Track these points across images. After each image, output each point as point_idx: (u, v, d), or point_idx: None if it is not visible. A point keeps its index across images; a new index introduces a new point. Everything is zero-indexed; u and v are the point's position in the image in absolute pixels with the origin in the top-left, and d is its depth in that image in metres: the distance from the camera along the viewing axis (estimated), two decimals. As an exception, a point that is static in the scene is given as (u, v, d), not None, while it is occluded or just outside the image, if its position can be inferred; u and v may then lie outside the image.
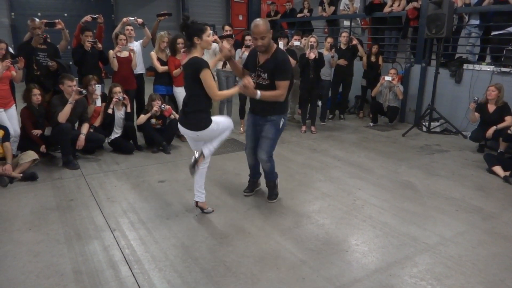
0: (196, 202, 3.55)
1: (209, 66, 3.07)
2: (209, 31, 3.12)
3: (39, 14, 10.64)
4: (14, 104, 4.76)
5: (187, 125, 3.24)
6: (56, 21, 5.17)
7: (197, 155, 3.33)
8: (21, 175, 4.22)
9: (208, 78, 3.05)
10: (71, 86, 4.61)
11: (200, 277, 2.64)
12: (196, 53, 3.10)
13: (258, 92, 3.24)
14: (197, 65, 3.04)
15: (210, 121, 3.21)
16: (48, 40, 5.15)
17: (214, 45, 5.44)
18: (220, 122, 3.34)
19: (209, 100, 3.17)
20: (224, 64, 5.98)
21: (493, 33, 6.44)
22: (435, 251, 3.00)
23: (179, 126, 3.32)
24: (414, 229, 3.33)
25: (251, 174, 3.99)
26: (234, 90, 3.34)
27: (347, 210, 3.68)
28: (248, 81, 3.15)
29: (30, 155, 4.38)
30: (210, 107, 3.27)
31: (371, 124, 7.10)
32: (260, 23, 3.24)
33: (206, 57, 5.70)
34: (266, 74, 3.38)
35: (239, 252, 2.94)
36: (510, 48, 6.11)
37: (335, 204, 3.81)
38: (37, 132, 4.72)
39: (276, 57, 3.36)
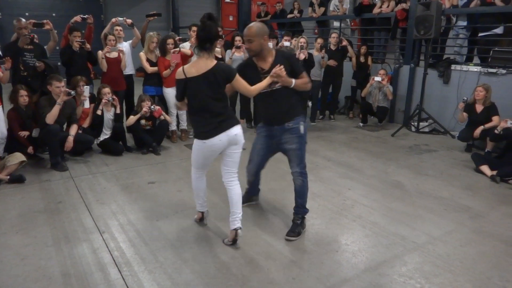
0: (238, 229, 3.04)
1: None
2: None
3: (27, 14, 10.51)
4: (1, 106, 4.69)
5: (231, 123, 2.91)
6: (45, 21, 5.12)
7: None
8: (8, 177, 4.17)
9: (241, 80, 2.88)
10: (59, 87, 4.56)
11: (190, 278, 2.63)
12: (212, 58, 2.82)
13: (293, 80, 2.99)
14: (229, 71, 2.86)
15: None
16: (36, 40, 5.09)
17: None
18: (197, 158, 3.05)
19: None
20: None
21: (480, 34, 6.53)
22: (423, 250, 3.03)
23: (215, 139, 2.87)
24: (403, 228, 3.36)
25: (249, 189, 3.66)
26: (266, 81, 2.97)
27: (337, 210, 3.70)
28: (280, 68, 2.90)
29: (17, 157, 4.31)
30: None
31: (361, 124, 7.14)
32: (251, 25, 3.02)
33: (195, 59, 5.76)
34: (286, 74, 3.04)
35: (229, 253, 2.94)
36: (496, 49, 6.21)
37: (325, 204, 3.82)
38: (24, 133, 4.66)
39: (284, 55, 3.15)
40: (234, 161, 3.00)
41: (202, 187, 3.21)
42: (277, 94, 3.07)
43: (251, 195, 3.75)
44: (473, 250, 3.04)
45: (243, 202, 3.26)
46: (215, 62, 2.80)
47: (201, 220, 3.37)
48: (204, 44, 2.76)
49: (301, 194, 3.26)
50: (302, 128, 3.14)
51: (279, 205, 3.79)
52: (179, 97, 2.94)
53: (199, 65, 2.79)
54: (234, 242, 3.02)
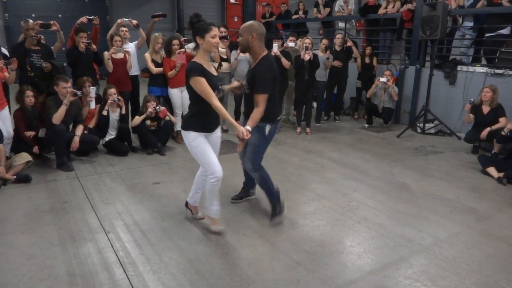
0: (187, 202, 3.48)
1: (199, 73, 2.81)
2: (215, 32, 2.85)
3: (33, 15, 10.58)
4: (7, 106, 4.72)
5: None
6: (51, 22, 5.16)
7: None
8: (15, 177, 4.19)
9: (198, 85, 2.82)
10: (65, 88, 4.59)
11: (195, 279, 2.63)
12: (198, 56, 2.93)
13: (248, 127, 3.04)
14: (187, 71, 2.88)
15: (192, 127, 3.00)
16: (43, 41, 5.12)
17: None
18: (205, 153, 3.02)
19: (207, 105, 2.90)
20: (219, 66, 5.98)
21: (487, 35, 6.49)
22: (429, 252, 3.01)
23: (215, 133, 3.18)
24: (408, 230, 3.34)
25: (245, 181, 3.87)
26: (230, 120, 2.98)
27: (342, 211, 3.68)
28: (242, 133, 2.93)
29: (24, 157, 4.34)
30: (207, 113, 3.00)
31: (366, 125, 7.12)
32: (246, 23, 3.20)
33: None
34: (246, 83, 3.21)
35: (234, 254, 2.94)
36: (503, 50, 6.16)
37: (330, 205, 3.81)
38: (30, 133, 4.69)
39: (256, 67, 3.17)
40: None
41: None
42: (247, 96, 3.27)
43: (248, 188, 3.88)
44: (480, 252, 3.02)
45: (238, 199, 3.81)
46: (194, 59, 2.94)
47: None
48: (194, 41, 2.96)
49: (262, 185, 3.48)
50: (267, 130, 3.29)
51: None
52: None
53: None
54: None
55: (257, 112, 3.12)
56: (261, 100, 3.10)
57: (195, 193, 3.41)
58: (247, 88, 3.23)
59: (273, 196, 3.47)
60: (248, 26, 3.14)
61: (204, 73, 2.85)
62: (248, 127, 3.04)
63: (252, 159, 3.36)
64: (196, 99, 2.92)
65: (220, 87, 2.99)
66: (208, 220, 3.32)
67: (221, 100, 3.01)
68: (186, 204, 3.50)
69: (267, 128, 3.28)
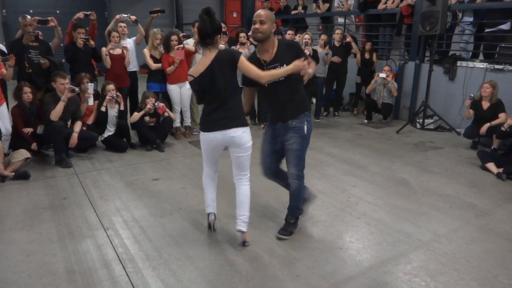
0: (242, 232, 2.99)
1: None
2: None
3: (31, 11, 10.51)
4: (5, 103, 4.71)
5: (231, 123, 2.78)
6: (49, 18, 5.13)
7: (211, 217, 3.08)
8: (13, 174, 4.18)
9: (247, 63, 2.75)
10: (63, 84, 4.56)
11: (194, 275, 2.63)
12: (214, 52, 2.74)
13: (310, 70, 2.85)
14: (232, 53, 2.78)
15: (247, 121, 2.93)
16: (40, 37, 5.10)
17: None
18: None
19: (240, 99, 2.88)
20: None
21: (487, 30, 6.46)
22: (429, 247, 3.01)
23: (213, 135, 2.82)
24: (408, 226, 3.34)
25: (286, 187, 3.26)
26: (284, 70, 2.78)
27: (342, 207, 3.68)
28: (303, 63, 2.74)
29: (22, 154, 4.33)
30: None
31: (365, 121, 7.11)
32: (262, 10, 2.96)
33: (200, 55, 5.73)
34: (285, 65, 2.85)
35: (233, 250, 2.93)
36: (503, 45, 6.14)
37: (330, 201, 3.81)
38: (28, 130, 4.67)
39: (286, 42, 3.06)
40: (239, 165, 2.90)
41: (208, 187, 3.12)
42: (279, 88, 2.91)
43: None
44: (479, 248, 3.02)
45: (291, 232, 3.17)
46: (217, 51, 2.75)
47: (209, 226, 3.15)
48: (205, 39, 2.72)
49: (295, 197, 3.14)
50: (305, 128, 2.97)
51: (283, 202, 3.75)
52: (199, 99, 2.91)
53: (204, 61, 2.75)
54: (241, 244, 3.00)
55: (314, 65, 3.11)
56: (312, 60, 3.10)
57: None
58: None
59: (296, 213, 3.19)
60: (271, 15, 2.91)
61: None
62: (310, 69, 2.86)
63: (297, 165, 3.02)
64: (236, 89, 2.83)
65: None
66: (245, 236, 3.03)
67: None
68: (242, 233, 3.00)
69: (305, 125, 2.97)
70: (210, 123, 2.81)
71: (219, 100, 2.78)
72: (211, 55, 2.74)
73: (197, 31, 2.77)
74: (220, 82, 2.73)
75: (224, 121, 2.78)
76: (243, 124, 2.84)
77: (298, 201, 3.17)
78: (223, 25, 6.19)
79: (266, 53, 2.95)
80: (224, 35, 6.04)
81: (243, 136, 2.81)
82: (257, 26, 2.85)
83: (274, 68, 2.87)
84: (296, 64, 2.74)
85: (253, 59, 2.98)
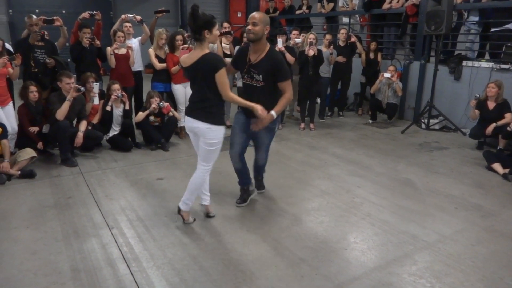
0: (179, 209, 3.28)
1: (223, 65, 2.90)
2: (217, 25, 2.93)
3: (37, 11, 10.57)
4: (12, 102, 4.73)
5: (200, 116, 2.98)
6: (55, 18, 5.15)
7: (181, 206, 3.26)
8: (19, 172, 4.21)
9: (224, 77, 2.88)
10: (69, 84, 4.59)
11: (199, 275, 2.63)
12: (206, 49, 2.90)
13: (273, 112, 3.15)
14: (215, 62, 2.86)
15: (222, 122, 3.05)
16: (46, 37, 5.12)
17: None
18: (218, 148, 3.09)
19: (221, 100, 3.00)
20: None
21: (493, 29, 6.42)
22: (434, 249, 2.99)
23: (186, 119, 3.10)
24: (413, 227, 3.32)
25: (240, 181, 3.69)
26: (249, 104, 3.04)
27: (346, 207, 3.67)
28: (262, 111, 3.03)
29: (28, 153, 4.36)
30: (223, 108, 3.12)
31: (370, 121, 7.09)
32: (257, 12, 3.20)
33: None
34: (260, 76, 3.18)
35: (237, 250, 2.93)
36: (509, 44, 6.10)
37: (334, 201, 3.80)
38: (33, 129, 4.70)
39: (272, 56, 3.19)
40: (200, 153, 3.13)
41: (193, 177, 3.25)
42: (254, 90, 3.23)
43: (246, 186, 3.68)
44: (485, 249, 3.00)
45: (243, 202, 3.65)
46: (205, 51, 2.88)
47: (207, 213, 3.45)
48: (194, 35, 2.88)
49: (263, 168, 3.78)
50: (276, 126, 3.43)
51: (286, 202, 3.77)
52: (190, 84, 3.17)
53: (193, 55, 2.93)
54: (183, 219, 3.30)
55: (286, 99, 3.24)
56: (289, 86, 3.23)
57: (203, 194, 3.38)
58: (258, 82, 3.23)
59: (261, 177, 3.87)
60: (264, 17, 3.14)
61: None
62: (273, 113, 3.14)
63: (267, 156, 3.63)
64: (217, 91, 2.93)
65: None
66: (208, 208, 3.43)
67: None
68: (179, 210, 3.30)
69: (276, 124, 3.42)
70: (188, 108, 3.11)
71: (199, 95, 3.00)
72: (199, 52, 2.89)
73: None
74: (200, 82, 2.95)
75: (197, 112, 3.00)
76: (212, 122, 2.98)
77: (263, 168, 3.82)
78: (227, 24, 6.24)
79: (254, 54, 3.22)
80: (228, 35, 6.04)
81: (207, 131, 2.98)
82: (249, 27, 3.10)
83: (251, 73, 3.22)
84: (260, 115, 3.04)
85: (243, 51, 3.31)
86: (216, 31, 2.89)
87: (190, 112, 3.07)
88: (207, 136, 2.99)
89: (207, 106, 2.97)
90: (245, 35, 6.02)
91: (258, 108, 3.00)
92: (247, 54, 3.25)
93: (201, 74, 2.91)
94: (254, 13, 3.16)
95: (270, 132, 3.44)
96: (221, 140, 3.05)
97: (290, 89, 3.24)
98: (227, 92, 2.91)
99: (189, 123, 3.08)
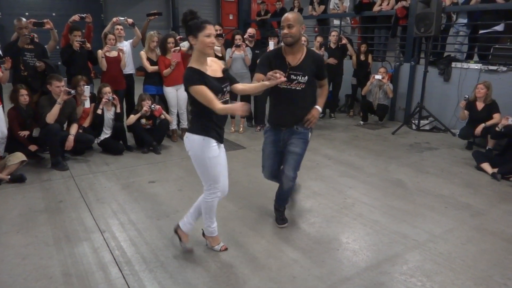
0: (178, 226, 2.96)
1: (198, 82, 2.48)
2: (210, 30, 2.50)
3: (27, 13, 10.50)
4: (1, 105, 4.69)
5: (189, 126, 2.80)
6: (45, 20, 5.11)
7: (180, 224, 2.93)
8: (9, 177, 4.17)
9: (199, 96, 2.49)
10: (59, 87, 4.56)
11: (191, 277, 2.63)
12: (193, 59, 2.57)
13: (318, 107, 3.05)
14: (185, 81, 2.55)
15: (199, 132, 2.63)
16: (36, 40, 5.09)
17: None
18: (215, 167, 2.69)
19: (204, 112, 2.59)
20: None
21: (481, 31, 6.51)
22: (424, 248, 3.02)
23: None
24: (404, 226, 3.35)
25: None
26: (227, 108, 2.57)
27: (338, 208, 3.69)
28: (242, 106, 2.50)
29: (18, 157, 4.31)
30: (217, 122, 2.67)
31: (361, 122, 7.14)
32: (289, 13, 2.95)
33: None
34: (306, 77, 2.94)
35: (230, 252, 2.93)
36: (497, 46, 6.19)
37: (326, 202, 3.82)
38: (23, 133, 4.66)
39: (313, 55, 3.07)
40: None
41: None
42: (293, 94, 2.96)
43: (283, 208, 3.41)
44: (474, 248, 3.04)
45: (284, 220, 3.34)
46: (192, 64, 2.58)
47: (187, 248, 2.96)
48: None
49: (287, 193, 3.26)
50: (310, 134, 3.14)
51: (279, 204, 3.78)
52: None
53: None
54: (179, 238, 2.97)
55: (326, 93, 3.23)
56: (327, 83, 3.24)
57: (195, 219, 2.94)
58: (300, 84, 2.97)
59: (285, 203, 3.39)
60: (298, 17, 2.91)
61: (203, 79, 2.51)
62: (319, 108, 3.06)
63: (296, 168, 3.11)
64: (197, 104, 2.58)
65: (224, 89, 2.64)
66: (209, 240, 2.98)
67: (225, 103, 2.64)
68: (176, 229, 2.97)
69: (310, 133, 3.16)
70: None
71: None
72: (190, 61, 2.64)
73: None
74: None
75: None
76: (189, 130, 2.71)
77: (287, 196, 3.34)
78: (218, 27, 6.24)
79: (293, 56, 2.97)
80: (220, 38, 6.06)
81: (185, 142, 2.70)
82: (285, 31, 2.86)
83: (296, 76, 2.93)
84: (246, 111, 2.52)
85: (278, 56, 3.01)
86: (204, 37, 2.48)
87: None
88: (187, 148, 2.69)
89: (193, 118, 2.75)
90: (236, 37, 6.06)
91: (237, 107, 2.50)
92: (284, 58, 2.98)
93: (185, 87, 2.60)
94: (287, 14, 2.92)
95: (303, 142, 3.11)
96: (203, 152, 2.62)
97: (327, 86, 3.28)
98: (215, 106, 2.46)
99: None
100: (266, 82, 2.69)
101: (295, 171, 3.10)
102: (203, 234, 2.99)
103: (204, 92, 2.47)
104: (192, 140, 2.64)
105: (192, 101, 2.60)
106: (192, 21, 2.54)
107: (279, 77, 2.64)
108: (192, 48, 2.58)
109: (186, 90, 2.56)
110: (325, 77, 3.17)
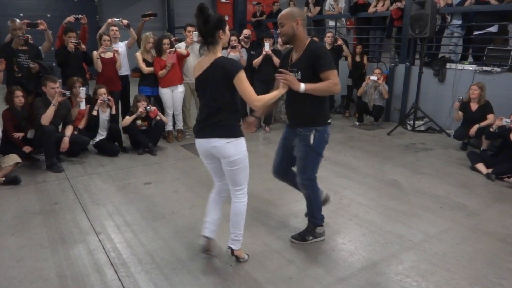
0: (232, 250, 2.80)
1: (242, 67, 2.48)
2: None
3: (21, 14, 10.45)
4: (-5, 107, 4.67)
5: (214, 132, 2.54)
6: (39, 21, 5.09)
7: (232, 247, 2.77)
8: (4, 179, 4.14)
9: (244, 82, 2.46)
10: (54, 88, 4.54)
11: (187, 279, 2.63)
12: (218, 53, 2.51)
13: (302, 84, 2.65)
14: (230, 66, 2.45)
15: (240, 133, 2.58)
16: (30, 41, 5.06)
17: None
18: (245, 164, 2.63)
19: (237, 111, 2.57)
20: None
21: (475, 33, 6.56)
22: (420, 248, 3.04)
23: (197, 141, 2.64)
24: (399, 227, 3.37)
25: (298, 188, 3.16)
26: (277, 92, 2.65)
27: (334, 209, 3.70)
28: (287, 72, 2.63)
29: (13, 159, 4.29)
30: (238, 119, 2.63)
31: (357, 123, 7.16)
32: (284, 10, 2.83)
33: (191, 59, 5.73)
34: (299, 73, 2.78)
35: (225, 253, 2.93)
36: (491, 47, 6.24)
37: (322, 203, 3.82)
38: (18, 135, 4.63)
39: (310, 48, 2.78)
40: (229, 178, 2.66)
41: (210, 205, 2.85)
42: (291, 91, 2.74)
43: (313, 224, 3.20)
44: (469, 248, 3.06)
45: (302, 238, 3.11)
46: (218, 55, 2.51)
47: (206, 250, 2.82)
48: (205, 39, 2.49)
49: (308, 204, 3.08)
50: (312, 137, 2.85)
51: (275, 205, 3.79)
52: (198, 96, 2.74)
53: (202, 64, 2.55)
54: (236, 260, 2.84)
55: (327, 83, 2.72)
56: (333, 75, 2.71)
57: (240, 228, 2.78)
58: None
59: (312, 220, 3.13)
60: (289, 12, 2.76)
61: None
62: (302, 85, 2.66)
63: (302, 173, 2.96)
64: (232, 100, 2.53)
65: None
66: (237, 254, 2.83)
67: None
68: (232, 251, 2.80)
69: (312, 136, 2.85)
70: (198, 128, 2.65)
71: (208, 110, 2.55)
72: (210, 58, 2.51)
73: (199, 33, 2.56)
74: (210, 93, 2.51)
75: (209, 129, 2.56)
76: (228, 135, 2.53)
77: (312, 209, 3.08)
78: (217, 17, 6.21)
79: (295, 53, 2.89)
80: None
81: (226, 147, 2.52)
82: (278, 30, 2.84)
83: (293, 72, 2.79)
84: (285, 83, 2.63)
85: (288, 53, 2.99)
86: (228, 31, 2.54)
87: (200, 132, 2.61)
88: (228, 154, 2.52)
89: (221, 120, 2.52)
90: (231, 38, 6.06)
91: (282, 82, 2.60)
92: (289, 55, 2.94)
93: (213, 82, 2.48)
94: (281, 13, 2.82)
95: (304, 146, 2.88)
96: (245, 153, 2.59)
97: (335, 78, 2.73)
98: (253, 98, 2.47)
99: (202, 145, 2.60)
100: (280, 89, 2.69)
101: (301, 176, 2.96)
102: (232, 253, 2.79)
103: (246, 80, 2.49)
104: (239, 145, 2.56)
105: (228, 98, 2.50)
106: (216, 15, 2.51)
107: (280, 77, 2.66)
108: (213, 44, 2.49)
109: (231, 77, 2.44)
110: (323, 70, 2.70)
